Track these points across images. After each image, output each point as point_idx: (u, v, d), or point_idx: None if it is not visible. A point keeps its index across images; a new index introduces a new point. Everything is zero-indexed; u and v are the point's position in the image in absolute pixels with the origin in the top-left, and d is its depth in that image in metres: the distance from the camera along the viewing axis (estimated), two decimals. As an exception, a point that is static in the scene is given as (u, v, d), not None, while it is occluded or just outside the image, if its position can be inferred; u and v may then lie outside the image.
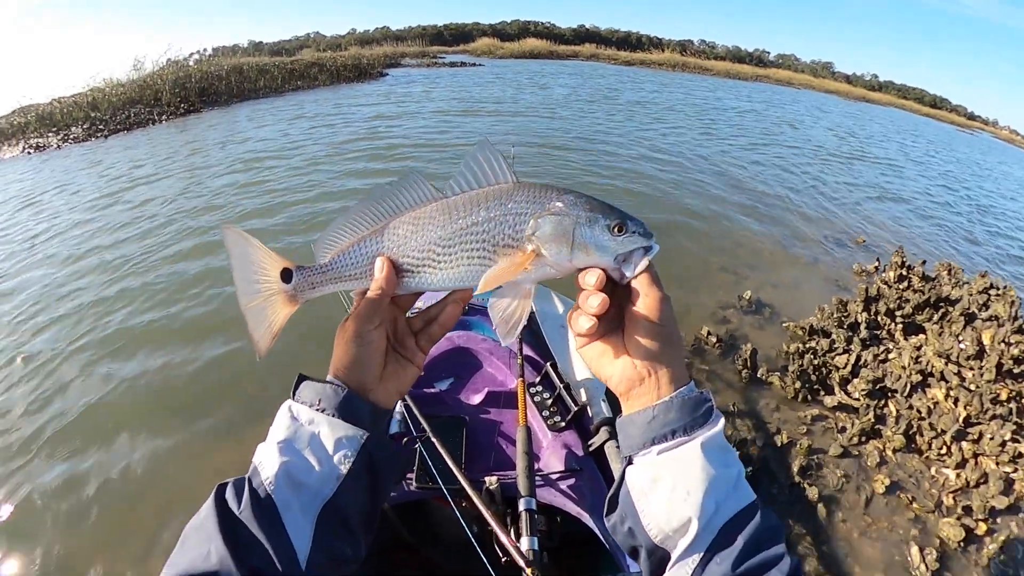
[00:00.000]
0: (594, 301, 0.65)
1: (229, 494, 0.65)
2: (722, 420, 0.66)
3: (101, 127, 12.77)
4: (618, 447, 1.71)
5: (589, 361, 0.73)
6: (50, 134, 12.56)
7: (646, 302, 0.66)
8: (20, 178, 8.82)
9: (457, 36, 46.65)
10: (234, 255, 0.78)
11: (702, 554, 0.61)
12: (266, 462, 0.66)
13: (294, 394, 0.72)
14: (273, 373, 3.23)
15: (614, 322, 0.70)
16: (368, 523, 0.71)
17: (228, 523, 0.62)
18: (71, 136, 12.24)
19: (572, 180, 6.92)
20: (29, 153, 11.27)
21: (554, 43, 41.66)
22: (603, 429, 1.82)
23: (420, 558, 1.90)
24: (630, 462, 0.68)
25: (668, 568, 0.64)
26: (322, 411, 0.68)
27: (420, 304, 2.10)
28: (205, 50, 26.88)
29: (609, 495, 0.71)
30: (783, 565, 0.60)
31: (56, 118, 13.43)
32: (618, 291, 0.69)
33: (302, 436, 0.67)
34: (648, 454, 0.65)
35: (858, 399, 3.31)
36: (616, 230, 0.67)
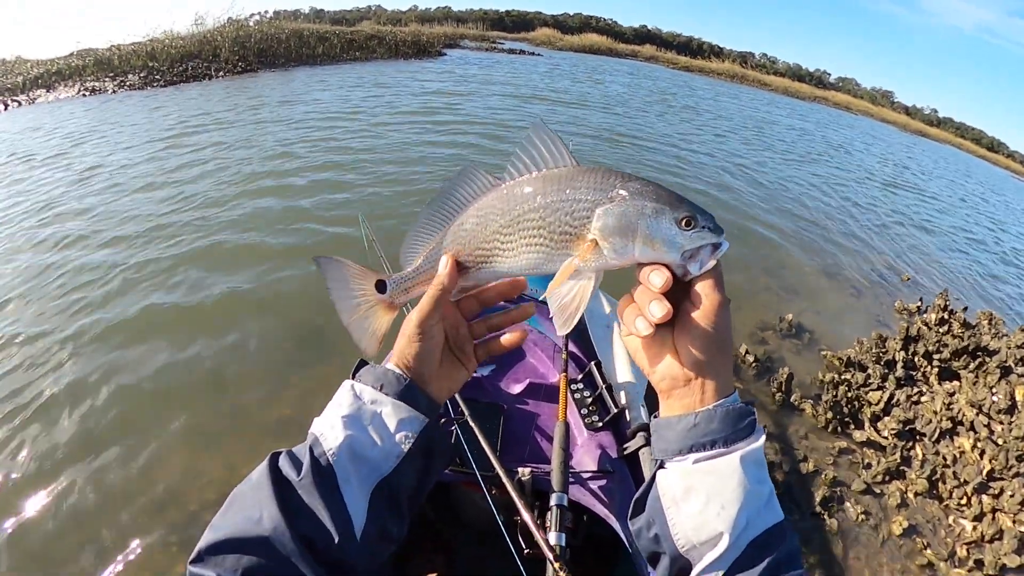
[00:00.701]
0: (657, 310, 0.63)
1: (284, 462, 0.67)
2: (763, 436, 0.66)
3: (158, 76, 13.11)
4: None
5: (634, 352, 0.72)
6: (106, 79, 12.85)
7: (705, 305, 0.64)
8: (85, 114, 9.03)
9: (518, 23, 46.68)
10: (330, 278, 0.83)
11: (726, 569, 0.62)
12: (328, 434, 0.68)
13: (354, 376, 0.75)
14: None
15: (670, 322, 0.67)
16: (413, 505, 0.74)
17: (284, 490, 0.64)
18: (127, 83, 12.54)
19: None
20: (84, 95, 11.56)
21: (614, 40, 41.27)
22: (640, 434, 1.80)
23: (440, 540, 1.91)
24: (662, 466, 0.68)
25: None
26: (386, 394, 0.71)
27: None
28: (266, 12, 26.99)
29: (636, 496, 0.71)
30: None
31: (114, 64, 13.73)
32: (676, 286, 0.65)
33: (365, 413, 0.69)
34: (684, 461, 0.65)
35: (887, 437, 3.34)
36: (684, 224, 0.63)
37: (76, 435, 2.74)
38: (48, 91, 12.11)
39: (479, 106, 10.71)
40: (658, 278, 0.63)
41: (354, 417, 0.69)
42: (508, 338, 0.81)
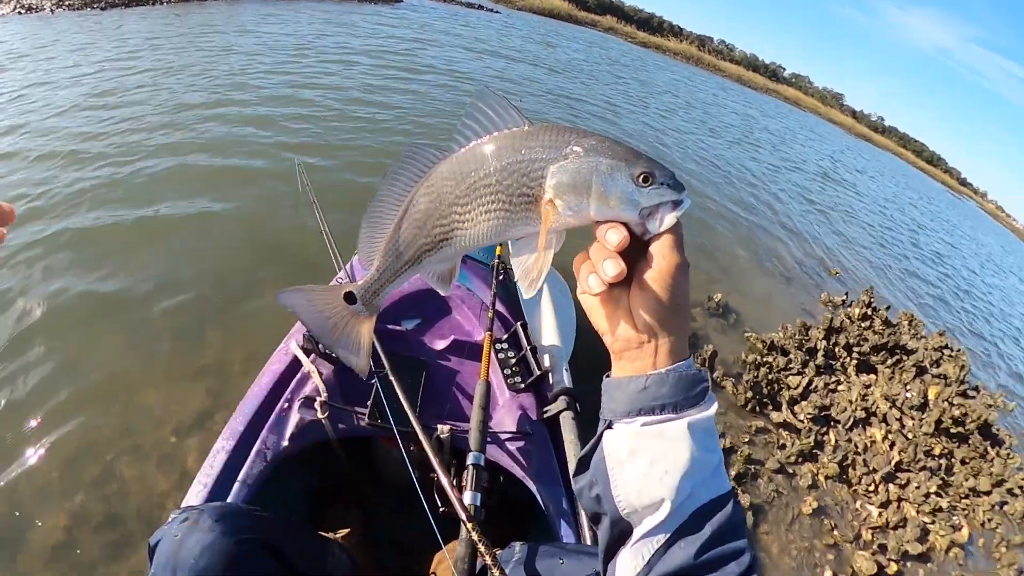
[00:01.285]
0: (611, 268, 0.60)
1: None
2: (714, 404, 0.63)
3: None
4: (574, 419, 1.72)
5: (588, 310, 0.68)
6: None
7: (662, 265, 0.61)
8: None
9: None
10: (298, 308, 0.81)
11: (668, 535, 0.60)
12: None
13: None
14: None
15: (626, 281, 0.64)
16: None
17: None
18: (66, 2, 11.53)
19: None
20: (20, 12, 10.60)
21: (575, 7, 40.70)
22: (561, 398, 1.78)
23: (357, 494, 1.91)
24: (609, 426, 0.66)
25: (629, 544, 0.63)
26: None
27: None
28: None
29: (581, 455, 0.69)
30: (743, 559, 0.60)
31: None
32: (633, 244, 0.61)
33: None
34: (632, 424, 0.63)
35: (802, 421, 3.34)
36: (641, 180, 0.59)
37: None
38: None
39: (435, 56, 10.37)
40: (614, 236, 0.60)
41: None
42: None
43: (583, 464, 0.69)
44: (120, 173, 4.02)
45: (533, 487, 1.56)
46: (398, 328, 1.97)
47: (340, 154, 4.99)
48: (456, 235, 0.68)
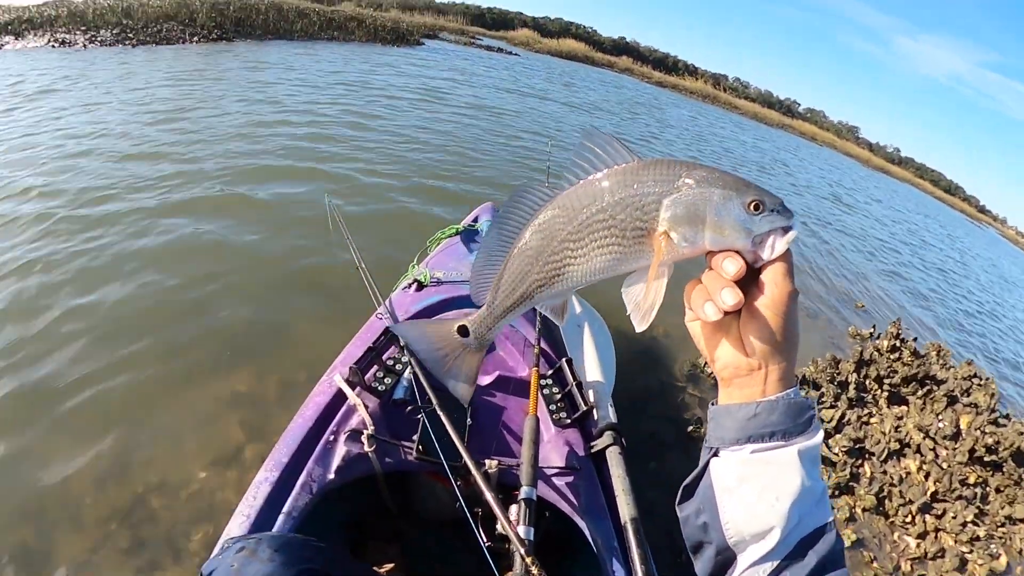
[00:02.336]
0: (729, 297, 0.60)
1: None
2: (821, 432, 0.65)
3: (131, 35, 12.76)
4: (621, 453, 1.75)
5: (696, 338, 0.71)
6: (78, 32, 12.48)
7: (774, 293, 0.61)
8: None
9: (498, 21, 46.60)
10: (412, 340, 0.89)
11: (776, 564, 0.61)
12: None
13: None
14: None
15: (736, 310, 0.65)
16: None
17: None
18: (99, 38, 12.20)
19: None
20: (53, 46, 11.22)
21: (592, 48, 41.50)
22: (608, 433, 1.78)
23: (395, 529, 1.91)
24: (716, 454, 0.67)
25: (734, 572, 0.64)
26: None
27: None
28: None
29: (686, 483, 0.70)
30: None
31: (88, 18, 13.30)
32: (746, 275, 0.63)
33: None
34: (740, 451, 0.64)
35: (837, 454, 3.40)
36: (753, 208, 0.61)
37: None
38: (16, 39, 11.77)
39: (464, 94, 10.69)
40: (732, 265, 0.61)
41: None
42: None
43: (688, 492, 0.70)
44: (157, 197, 4.35)
45: (582, 523, 1.55)
46: None
47: (374, 189, 5.26)
48: (568, 271, 0.70)
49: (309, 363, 2.74)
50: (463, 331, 0.81)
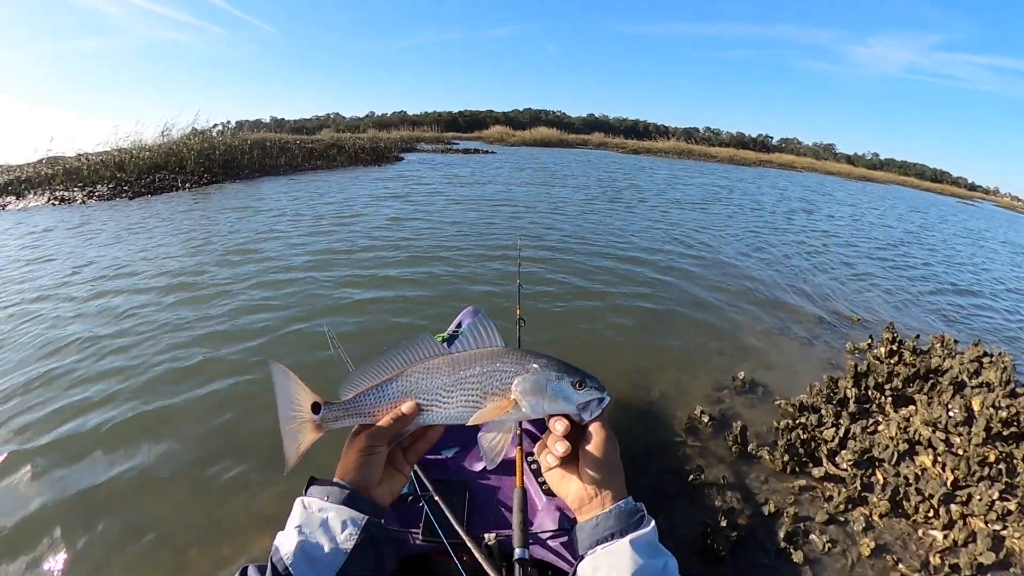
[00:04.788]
0: (560, 448, 0.86)
1: (251, 573, 0.79)
2: (652, 524, 0.84)
3: (126, 188, 13.45)
4: None
5: (552, 483, 0.92)
6: (75, 188, 13.21)
7: (595, 441, 0.85)
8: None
9: (471, 123, 49.16)
10: (277, 385, 0.97)
11: None
12: (284, 543, 0.80)
13: (306, 491, 0.88)
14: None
15: (572, 453, 0.87)
16: None
17: None
18: (96, 193, 12.86)
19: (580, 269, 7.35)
20: (53, 204, 11.88)
21: (564, 131, 43.51)
22: None
23: None
24: (582, 559, 0.85)
25: None
26: (331, 503, 0.84)
27: None
28: (229, 122, 27.89)
29: None
30: None
31: (83, 174, 14.13)
32: (575, 431, 0.88)
33: (313, 521, 0.82)
34: (594, 552, 0.82)
35: (845, 469, 3.46)
36: (578, 385, 0.86)
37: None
38: (18, 198, 12.36)
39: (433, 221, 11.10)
40: (560, 425, 0.87)
41: (304, 526, 0.82)
42: (429, 436, 0.99)
43: None
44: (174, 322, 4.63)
45: None
46: (439, 457, 2.28)
47: (370, 315, 5.59)
48: (433, 409, 0.91)
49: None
50: (315, 408, 0.94)
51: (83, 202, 12.15)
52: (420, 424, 0.94)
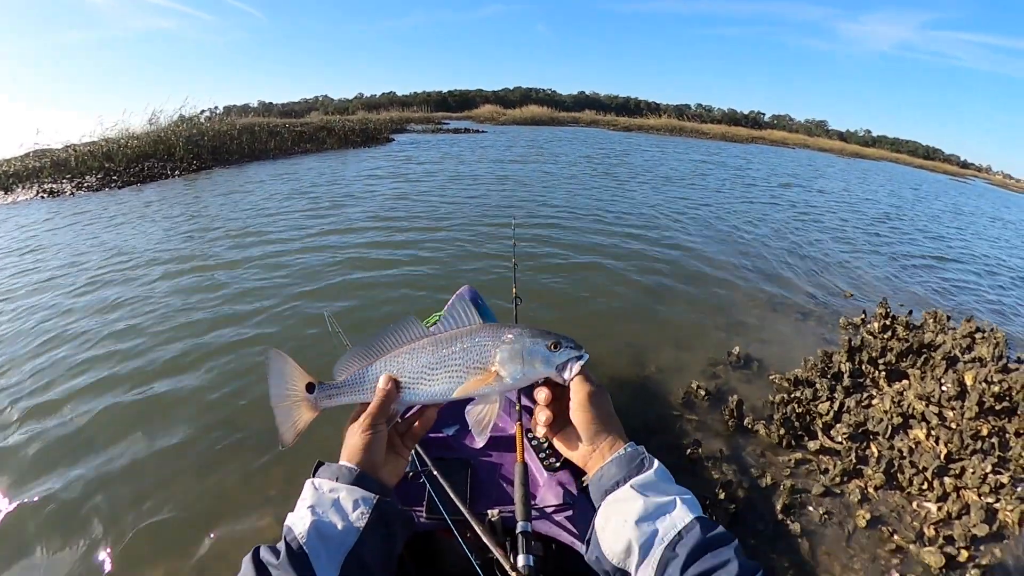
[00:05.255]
0: (541, 416, 0.92)
1: (264, 552, 0.79)
2: (655, 465, 0.86)
3: (115, 177, 13.38)
4: None
5: (559, 447, 0.96)
6: (64, 180, 13.15)
7: (580, 396, 0.89)
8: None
9: (461, 102, 48.30)
10: (272, 369, 1.02)
11: (655, 568, 0.76)
12: (297, 523, 0.81)
13: (314, 475, 0.90)
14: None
15: (565, 417, 0.92)
16: (387, 568, 0.87)
17: (264, 573, 0.76)
18: (85, 184, 12.80)
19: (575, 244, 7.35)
20: (43, 197, 11.82)
21: (555, 109, 43.07)
22: None
23: None
24: (596, 511, 0.88)
25: None
26: (341, 483, 0.87)
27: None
28: (216, 108, 27.30)
29: (587, 537, 0.89)
30: (731, 567, 0.73)
31: (71, 165, 14.06)
32: (562, 393, 0.93)
33: (325, 501, 0.84)
34: (604, 503, 0.85)
35: (840, 442, 3.49)
36: (553, 347, 0.90)
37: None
38: (6, 193, 12.32)
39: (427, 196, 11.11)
40: (540, 394, 0.93)
41: (316, 506, 0.84)
42: (425, 418, 1.02)
43: (588, 544, 0.87)
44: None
45: (582, 549, 1.75)
46: (440, 435, 2.28)
47: (367, 295, 5.64)
48: (418, 386, 0.96)
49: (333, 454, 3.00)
50: (310, 387, 1.00)
51: (72, 193, 12.08)
52: (409, 403, 0.99)
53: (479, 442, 0.93)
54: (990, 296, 7.49)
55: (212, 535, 2.72)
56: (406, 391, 0.97)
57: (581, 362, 0.91)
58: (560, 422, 0.93)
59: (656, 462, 0.87)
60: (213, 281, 6.08)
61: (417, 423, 1.02)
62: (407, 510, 1.84)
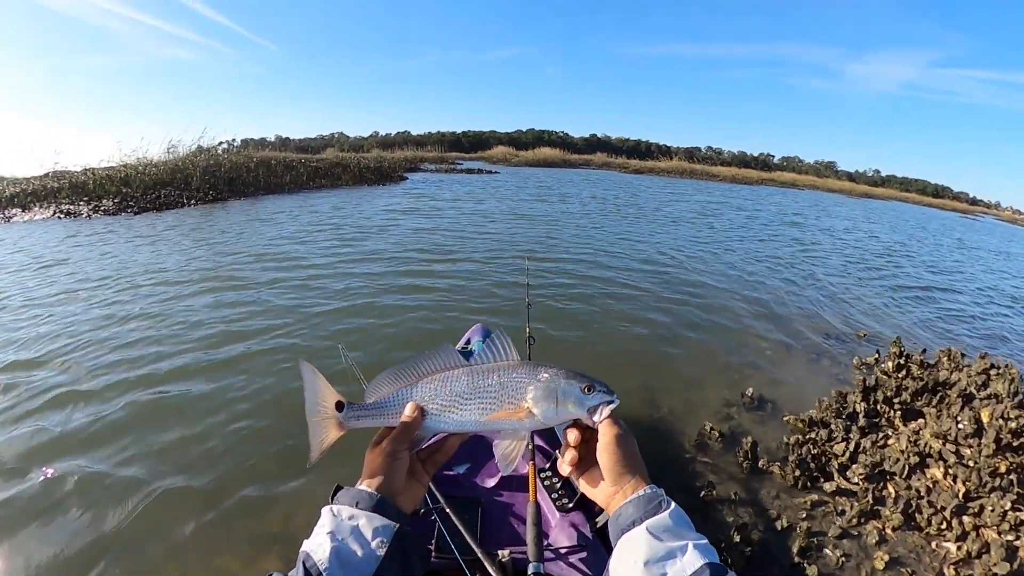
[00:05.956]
0: (568, 455, 0.95)
1: None
2: (671, 507, 0.86)
3: (131, 203, 13.59)
4: None
5: (583, 487, 0.98)
6: (81, 203, 13.34)
7: (608, 439, 0.92)
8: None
9: (474, 143, 49.36)
10: (306, 382, 1.04)
11: None
12: (317, 549, 0.82)
13: (332, 498, 0.91)
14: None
15: (592, 458, 0.94)
16: None
17: None
18: (101, 207, 12.98)
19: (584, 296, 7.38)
20: (59, 217, 12.06)
21: (567, 152, 43.76)
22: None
23: None
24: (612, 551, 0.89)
25: None
26: (361, 509, 0.87)
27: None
28: (234, 140, 28.16)
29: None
30: None
31: (88, 188, 14.28)
32: (591, 435, 0.95)
33: (345, 528, 0.84)
34: (619, 542, 0.86)
35: (857, 483, 3.47)
36: (586, 390, 0.93)
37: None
38: (24, 211, 12.52)
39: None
40: (571, 435, 0.96)
41: (336, 532, 0.84)
42: (448, 444, 1.05)
43: None
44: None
45: None
46: (451, 473, 2.27)
47: (383, 332, 5.69)
48: (449, 414, 0.97)
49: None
50: (339, 406, 1.02)
51: (88, 216, 12.28)
52: (438, 431, 1.00)
53: (503, 472, 0.98)
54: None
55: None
56: (435, 418, 0.99)
57: (612, 406, 0.93)
58: (586, 463, 0.96)
59: (673, 504, 0.88)
60: (247, 298, 6.38)
61: (439, 452, 1.03)
62: (422, 544, 1.86)
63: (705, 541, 0.84)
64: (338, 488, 0.94)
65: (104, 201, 13.64)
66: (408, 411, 0.98)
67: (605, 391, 0.94)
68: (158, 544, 2.82)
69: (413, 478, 0.99)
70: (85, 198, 13.84)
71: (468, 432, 1.01)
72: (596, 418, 0.93)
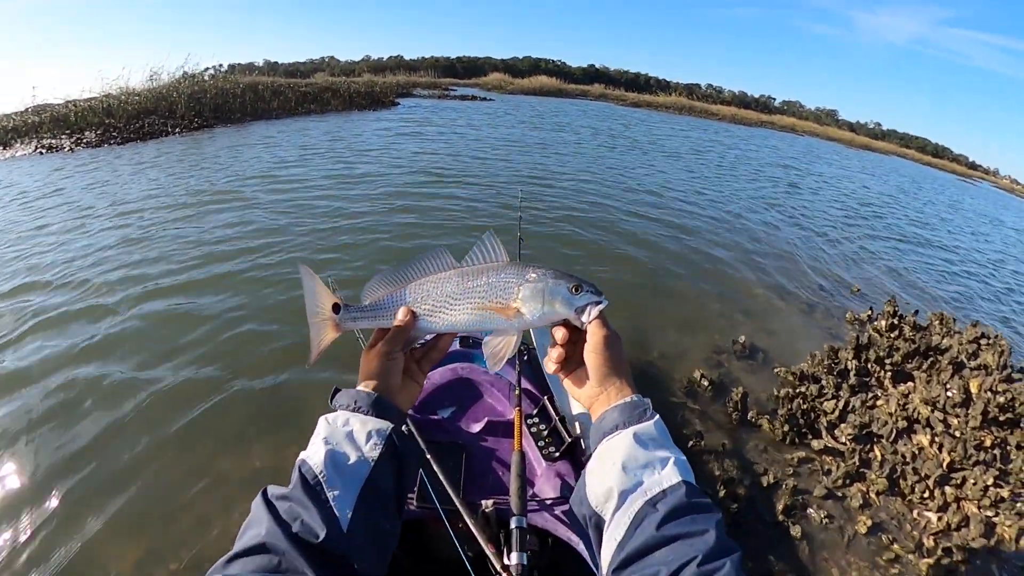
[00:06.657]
0: (554, 353, 0.97)
1: (273, 488, 0.81)
2: (655, 418, 0.87)
3: (114, 134, 13.16)
4: None
5: (567, 387, 0.99)
6: (63, 136, 12.92)
7: (595, 340, 0.92)
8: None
9: (469, 69, 48.05)
10: (305, 285, 1.07)
11: (631, 518, 0.77)
12: (312, 455, 0.84)
13: (332, 400, 0.94)
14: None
15: (578, 358, 0.95)
16: (400, 504, 0.91)
17: (273, 505, 0.78)
18: (84, 140, 12.60)
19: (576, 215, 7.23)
20: (41, 152, 11.64)
21: (564, 81, 42.63)
22: None
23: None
24: (591, 457, 0.88)
25: (605, 529, 0.81)
26: (357, 410, 0.90)
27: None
28: (220, 66, 26.80)
29: (576, 485, 0.90)
30: (707, 538, 0.71)
31: (70, 121, 13.81)
32: (578, 335, 0.96)
33: (338, 433, 0.87)
34: (600, 446, 0.86)
35: (844, 443, 3.42)
36: (574, 290, 0.93)
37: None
38: (4, 148, 12.22)
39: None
40: (558, 332, 0.97)
41: (330, 438, 0.86)
42: (442, 342, 1.07)
43: (576, 487, 0.90)
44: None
45: (579, 545, 1.62)
46: (434, 417, 2.14)
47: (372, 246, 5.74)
48: (440, 315, 1.00)
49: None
50: (336, 308, 1.05)
51: (71, 149, 11.86)
52: (430, 331, 1.03)
53: (491, 370, 0.96)
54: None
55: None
56: (428, 319, 1.01)
57: (600, 307, 0.94)
58: (572, 363, 0.97)
59: (657, 416, 0.88)
60: (247, 217, 6.53)
61: (433, 350, 1.07)
62: (418, 444, 1.74)
63: (684, 458, 0.83)
64: (337, 390, 0.96)
65: (87, 133, 13.21)
66: (400, 315, 1.01)
67: (593, 291, 0.95)
68: (170, 428, 3.07)
69: (409, 377, 1.02)
70: (67, 131, 13.37)
71: (459, 332, 1.04)
72: (584, 318, 0.94)
